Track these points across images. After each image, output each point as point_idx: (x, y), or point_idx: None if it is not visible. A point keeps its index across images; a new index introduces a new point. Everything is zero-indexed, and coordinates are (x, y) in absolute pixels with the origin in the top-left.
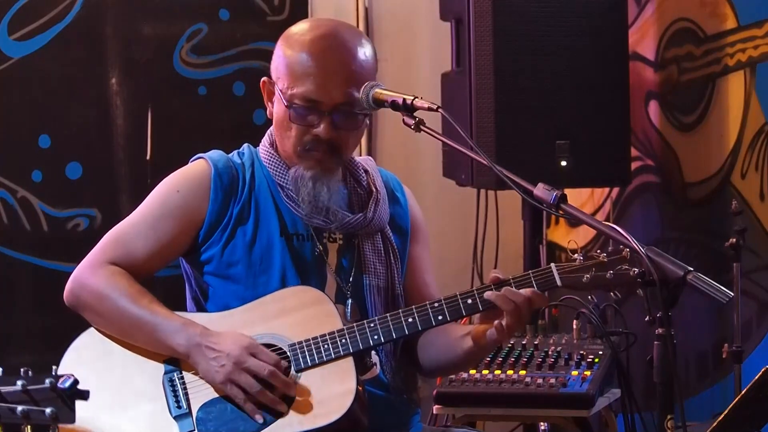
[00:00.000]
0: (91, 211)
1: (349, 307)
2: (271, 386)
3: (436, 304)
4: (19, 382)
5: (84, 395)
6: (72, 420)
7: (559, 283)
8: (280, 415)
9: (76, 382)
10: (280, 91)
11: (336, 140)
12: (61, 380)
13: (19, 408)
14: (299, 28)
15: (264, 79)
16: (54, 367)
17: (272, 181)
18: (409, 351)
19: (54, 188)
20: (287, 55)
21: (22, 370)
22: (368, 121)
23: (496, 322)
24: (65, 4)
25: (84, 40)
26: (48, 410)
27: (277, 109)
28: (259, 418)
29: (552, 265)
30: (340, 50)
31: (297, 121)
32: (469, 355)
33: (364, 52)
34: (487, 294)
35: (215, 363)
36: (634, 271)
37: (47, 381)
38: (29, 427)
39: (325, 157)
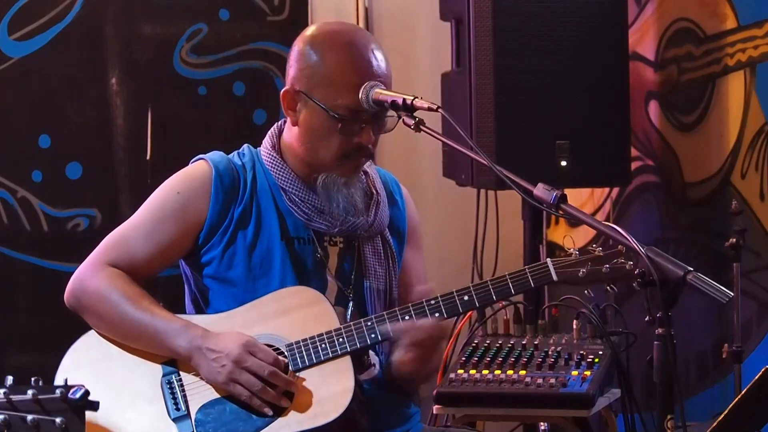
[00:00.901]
0: (91, 211)
1: (350, 310)
2: (273, 383)
3: (432, 302)
4: (30, 392)
5: (94, 406)
6: (81, 431)
7: (555, 277)
8: (282, 410)
9: (87, 393)
10: (318, 102)
11: (373, 145)
12: (71, 391)
13: (30, 417)
14: (320, 35)
15: (286, 88)
16: (65, 379)
17: (274, 184)
18: None
19: (54, 188)
20: (318, 65)
21: (33, 379)
22: None
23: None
24: (65, 4)
25: (84, 40)
26: (58, 420)
27: (312, 119)
28: (269, 411)
29: (548, 260)
30: (372, 57)
31: (345, 132)
32: (396, 388)
33: (383, 54)
34: (385, 328)
35: (216, 364)
36: (630, 264)
37: (58, 391)
38: None
39: (362, 163)
